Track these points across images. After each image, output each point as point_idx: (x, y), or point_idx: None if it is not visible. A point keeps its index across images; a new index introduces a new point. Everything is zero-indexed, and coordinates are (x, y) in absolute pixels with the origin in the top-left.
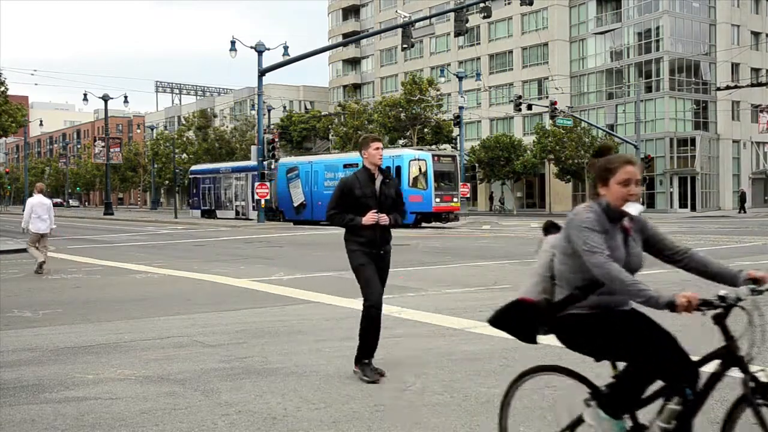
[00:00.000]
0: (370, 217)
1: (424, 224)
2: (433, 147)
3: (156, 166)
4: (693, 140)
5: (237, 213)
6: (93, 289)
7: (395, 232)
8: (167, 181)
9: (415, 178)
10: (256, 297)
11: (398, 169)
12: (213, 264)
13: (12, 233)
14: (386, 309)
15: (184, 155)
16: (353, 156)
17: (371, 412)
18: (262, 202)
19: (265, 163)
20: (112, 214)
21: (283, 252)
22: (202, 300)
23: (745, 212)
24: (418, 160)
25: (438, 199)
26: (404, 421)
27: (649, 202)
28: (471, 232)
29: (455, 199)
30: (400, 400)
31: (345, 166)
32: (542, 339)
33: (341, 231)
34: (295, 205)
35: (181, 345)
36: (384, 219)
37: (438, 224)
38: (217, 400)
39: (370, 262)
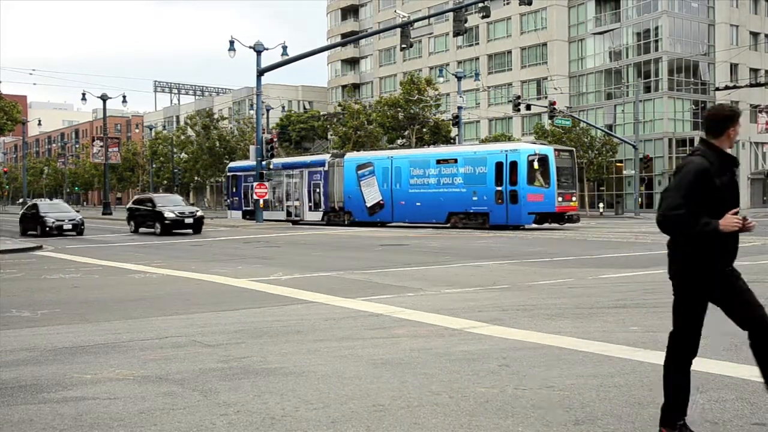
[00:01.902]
0: (734, 221)
1: (533, 226)
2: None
3: (154, 165)
4: (692, 140)
5: (288, 214)
6: (91, 289)
7: (397, 231)
8: (165, 181)
9: (535, 175)
10: (254, 297)
11: (513, 164)
12: (211, 264)
13: (11, 233)
14: (385, 309)
15: (183, 154)
16: (447, 150)
17: (370, 412)
18: (261, 202)
19: (264, 162)
20: (111, 213)
21: (281, 252)
22: (200, 300)
23: None
24: (539, 154)
25: (560, 198)
26: (403, 421)
27: (648, 203)
28: (470, 232)
29: (574, 198)
30: (399, 400)
31: (439, 161)
32: (545, 338)
33: (342, 231)
34: (369, 205)
35: (180, 345)
36: (751, 224)
37: (555, 225)
38: (216, 400)
39: (715, 295)
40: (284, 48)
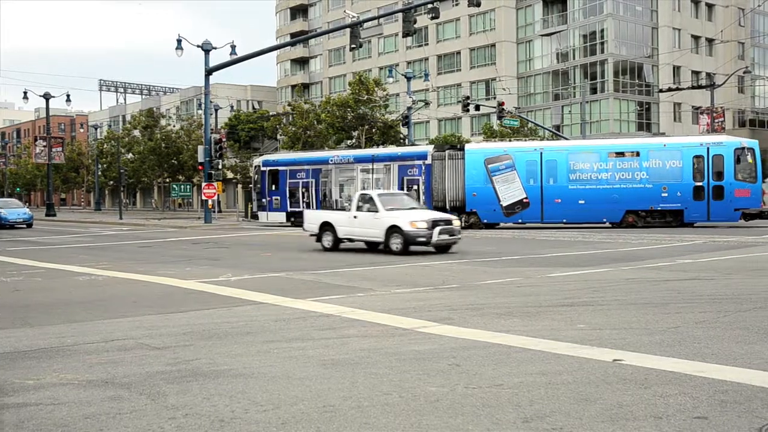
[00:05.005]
0: None
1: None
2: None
3: (101, 166)
4: None
5: None
6: (34, 291)
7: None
8: (111, 182)
9: (741, 170)
10: (203, 298)
11: (718, 158)
12: (159, 265)
13: None
14: (336, 309)
15: (130, 155)
16: (624, 142)
17: (320, 413)
18: (209, 202)
19: (213, 162)
20: (54, 215)
21: (230, 253)
22: (148, 302)
23: None
24: (746, 148)
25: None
26: (353, 422)
27: None
28: None
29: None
30: (349, 400)
31: (613, 154)
32: (495, 337)
33: (294, 232)
34: (506, 204)
35: (127, 348)
36: None
37: (744, 223)
38: (164, 404)
39: None
40: (233, 47)
